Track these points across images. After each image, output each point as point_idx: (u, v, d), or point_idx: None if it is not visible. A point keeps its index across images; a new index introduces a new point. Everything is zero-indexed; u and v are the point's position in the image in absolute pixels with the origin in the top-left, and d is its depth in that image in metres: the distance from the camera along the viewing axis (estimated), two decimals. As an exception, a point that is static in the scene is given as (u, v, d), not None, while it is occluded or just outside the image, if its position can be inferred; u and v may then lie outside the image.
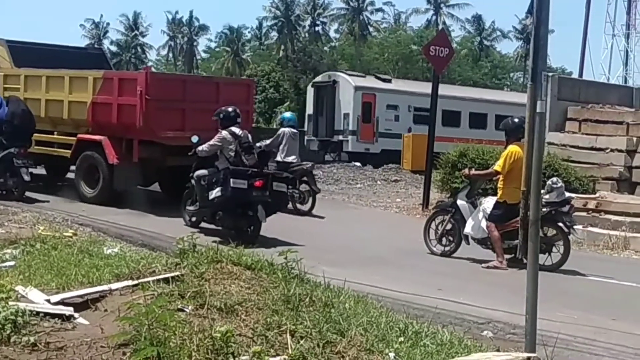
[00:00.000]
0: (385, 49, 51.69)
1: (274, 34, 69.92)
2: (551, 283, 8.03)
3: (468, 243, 10.30)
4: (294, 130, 14.63)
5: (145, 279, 5.21)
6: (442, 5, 67.89)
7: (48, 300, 4.90)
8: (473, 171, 10.85)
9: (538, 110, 5.03)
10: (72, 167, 14.40)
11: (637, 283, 9.28)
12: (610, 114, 16.60)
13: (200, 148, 10.95)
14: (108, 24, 74.86)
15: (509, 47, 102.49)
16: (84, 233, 10.12)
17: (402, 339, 4.77)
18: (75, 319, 4.65)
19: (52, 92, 14.39)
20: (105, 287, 5.18)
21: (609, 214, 13.11)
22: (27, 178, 13.19)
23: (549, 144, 15.08)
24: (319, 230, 12.46)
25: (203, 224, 11.22)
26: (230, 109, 11.18)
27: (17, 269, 6.39)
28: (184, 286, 5.04)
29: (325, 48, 63.16)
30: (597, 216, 13.10)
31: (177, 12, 76.22)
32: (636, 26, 49.91)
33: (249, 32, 72.93)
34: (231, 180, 10.34)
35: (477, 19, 69.15)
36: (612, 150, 15.78)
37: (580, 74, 33.30)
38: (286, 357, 4.21)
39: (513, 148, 9.99)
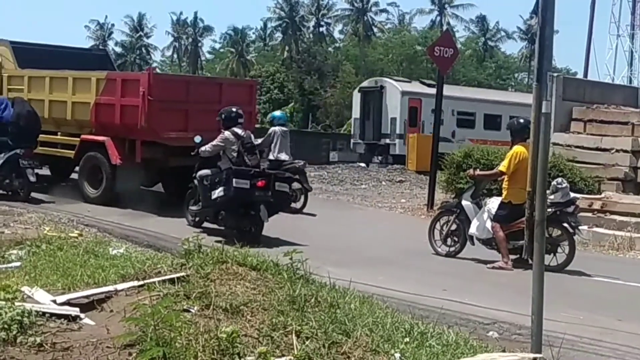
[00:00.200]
0: (390, 50, 51.66)
1: (278, 35, 70.02)
2: (556, 283, 8.01)
3: (473, 243, 10.29)
4: (285, 129, 14.72)
5: (151, 280, 5.22)
6: (446, 5, 67.86)
7: (54, 301, 4.90)
8: (478, 172, 10.84)
9: (543, 110, 5.03)
10: (77, 168, 14.44)
11: (643, 284, 9.26)
12: (615, 114, 16.56)
13: (203, 148, 10.99)
14: (113, 25, 75.21)
15: (513, 48, 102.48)
16: (90, 234, 10.14)
17: (407, 339, 4.77)
18: (81, 319, 4.66)
19: (55, 93, 14.44)
20: (111, 288, 5.19)
21: (614, 215, 13.08)
22: (32, 179, 13.22)
23: (554, 144, 15.06)
24: (322, 231, 12.46)
25: (206, 224, 11.25)
26: (232, 110, 11.21)
27: (23, 269, 6.41)
28: (189, 287, 5.05)
29: (330, 49, 63.19)
30: (603, 217, 13.07)
31: (181, 13, 76.58)
32: (641, 26, 49.82)
33: (253, 33, 73.15)
34: (234, 180, 10.38)
35: (482, 20, 69.19)
36: (617, 151, 15.74)
37: (585, 75, 33.26)
38: (292, 357, 4.21)
39: (518, 148, 9.97)
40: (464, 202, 10.39)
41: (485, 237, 10.07)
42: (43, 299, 4.94)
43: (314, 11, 68.27)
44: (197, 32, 75.58)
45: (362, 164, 27.74)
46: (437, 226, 10.70)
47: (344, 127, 42.61)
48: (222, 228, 10.91)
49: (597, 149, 16.01)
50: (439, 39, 21.08)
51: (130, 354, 4.13)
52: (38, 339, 4.22)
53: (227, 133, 10.92)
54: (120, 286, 5.21)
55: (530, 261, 8.70)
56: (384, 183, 22.08)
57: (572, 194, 10.13)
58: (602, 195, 14.05)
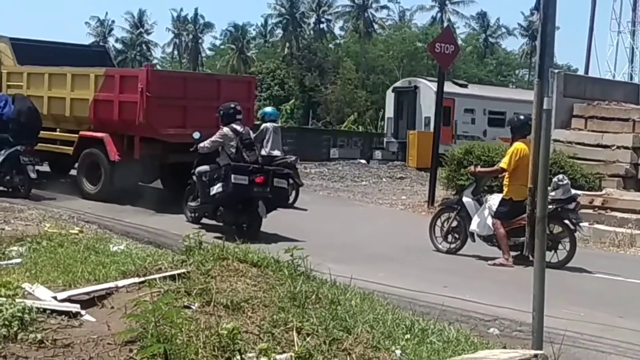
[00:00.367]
0: (390, 46, 51.57)
1: (278, 32, 69.92)
2: (557, 280, 8.02)
3: (474, 240, 10.29)
4: (276, 125, 14.81)
5: (152, 276, 5.21)
6: (447, 2, 67.75)
7: (55, 298, 4.90)
8: (479, 168, 10.84)
9: (545, 107, 5.01)
10: (76, 165, 14.45)
11: (643, 280, 9.27)
12: (616, 111, 16.54)
13: (201, 144, 11.01)
14: (113, 21, 75.10)
15: (514, 44, 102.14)
16: (90, 230, 10.13)
17: (408, 336, 4.77)
18: (81, 316, 4.65)
19: (54, 89, 14.45)
20: (111, 285, 5.19)
21: (615, 211, 13.08)
22: (33, 175, 13.21)
23: (555, 141, 15.05)
24: (323, 227, 12.45)
25: (204, 220, 11.27)
26: (231, 106, 11.22)
27: (24, 266, 6.40)
28: (190, 283, 5.04)
29: (330, 45, 63.09)
30: (603, 213, 13.07)
31: (182, 10, 76.41)
32: (642, 23, 49.76)
33: (253, 30, 73.04)
34: (232, 176, 10.41)
35: (482, 16, 69.07)
36: (618, 147, 15.72)
37: (586, 71, 33.17)
38: (292, 354, 4.20)
39: (519, 145, 9.97)
40: (464, 199, 10.39)
41: (486, 233, 10.07)
42: (44, 296, 4.94)
43: (314, 8, 68.17)
44: (198, 28, 75.51)
45: (363, 161, 27.76)
46: (438, 223, 10.70)
47: (344, 123, 42.59)
48: (221, 224, 10.94)
49: (598, 145, 16.00)
50: (439, 35, 21.05)
51: (131, 351, 4.13)
52: (39, 336, 4.21)
53: (225, 129, 10.94)
54: (120, 283, 5.21)
55: (531, 258, 8.71)
56: (384, 180, 22.07)
57: (573, 191, 10.12)
58: (603, 192, 14.04)
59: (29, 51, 15.66)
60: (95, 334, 4.31)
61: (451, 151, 15.65)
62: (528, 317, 5.24)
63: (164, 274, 5.23)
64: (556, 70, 18.42)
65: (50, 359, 4.05)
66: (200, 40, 76.23)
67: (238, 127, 10.98)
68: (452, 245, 10.48)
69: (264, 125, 14.46)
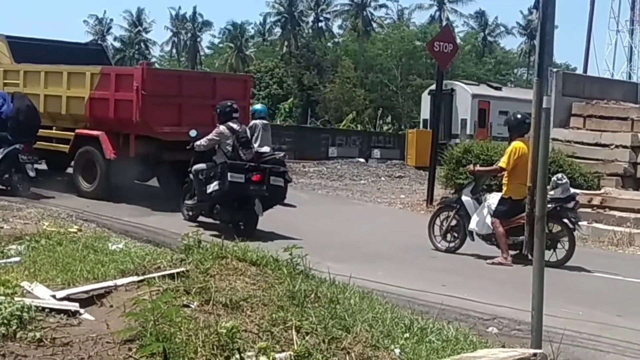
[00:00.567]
0: (389, 45, 51.47)
1: (277, 30, 69.88)
2: (556, 279, 8.02)
3: (473, 239, 10.29)
4: (265, 122, 14.89)
5: (151, 275, 5.21)
6: (445, 1, 67.73)
7: (53, 296, 4.90)
8: (477, 167, 10.85)
9: (544, 106, 5.01)
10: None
11: (642, 279, 9.27)
12: (615, 109, 16.56)
13: (198, 143, 11.02)
14: (111, 20, 75.01)
15: (512, 43, 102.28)
16: (89, 229, 10.12)
17: (407, 335, 4.77)
18: (80, 314, 4.65)
19: (50, 87, 14.45)
20: (110, 283, 5.18)
21: (613, 210, 13.09)
22: (32, 174, 13.20)
23: (554, 140, 15.04)
24: (321, 226, 12.46)
25: (201, 218, 11.28)
26: (228, 104, 11.24)
27: (23, 264, 6.39)
28: (189, 282, 5.04)
29: (329, 44, 63.05)
30: (602, 212, 13.08)
31: (180, 8, 76.34)
32: (640, 22, 49.77)
33: (252, 28, 72.95)
34: (229, 174, 10.44)
35: (481, 15, 69.07)
36: (616, 146, 15.74)
37: (585, 70, 33.21)
38: (292, 353, 4.20)
39: (517, 144, 9.98)
40: (463, 198, 10.39)
41: (485, 232, 10.07)
42: (42, 294, 4.93)
43: (313, 6, 68.13)
44: (196, 27, 75.45)
45: (362, 160, 27.77)
46: (437, 222, 10.70)
47: (342, 122, 42.56)
48: (218, 222, 10.96)
49: (596, 144, 16.02)
50: (438, 34, 21.05)
51: (130, 349, 4.12)
52: (38, 334, 4.21)
53: (222, 127, 10.96)
54: (119, 281, 5.20)
55: (530, 257, 8.70)
56: (383, 179, 22.08)
57: (572, 190, 10.13)
58: (602, 190, 14.05)
59: (26, 49, 15.65)
60: (94, 333, 4.31)
61: (450, 150, 15.65)
62: (527, 316, 5.24)
63: (163, 273, 5.23)
64: (555, 69, 18.43)
65: (49, 357, 4.05)
66: (198, 39, 76.21)
67: (235, 126, 11.00)
68: (451, 244, 10.48)
69: (253, 122, 14.51)
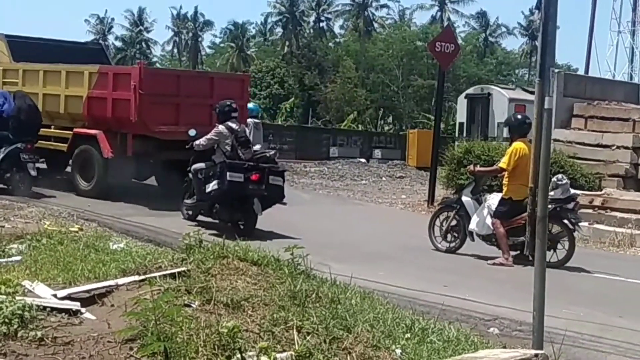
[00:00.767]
0: (390, 45, 51.39)
1: (278, 30, 69.83)
2: (557, 280, 8.01)
3: (473, 239, 10.29)
4: (257, 120, 14.88)
5: (152, 275, 5.21)
6: (446, 1, 67.71)
7: (55, 295, 4.90)
8: (478, 168, 10.85)
9: (546, 106, 5.01)
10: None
11: (643, 280, 9.27)
12: (616, 110, 16.55)
13: (197, 142, 11.05)
14: (113, 19, 75.01)
15: (514, 44, 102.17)
16: (90, 228, 10.12)
17: (408, 335, 4.76)
18: (82, 313, 4.65)
19: (49, 86, 14.46)
20: (111, 282, 5.19)
21: (615, 211, 13.08)
22: (33, 173, 13.19)
23: (555, 140, 15.04)
24: (322, 226, 12.46)
25: (201, 217, 11.29)
26: (227, 104, 11.25)
27: (24, 264, 6.39)
28: (190, 282, 5.04)
29: (330, 44, 62.97)
30: (603, 213, 13.07)
31: (181, 8, 76.33)
32: (642, 23, 49.73)
33: (253, 28, 72.92)
34: (228, 173, 10.46)
35: (482, 15, 69.04)
36: (618, 147, 15.73)
37: (586, 71, 33.15)
38: (293, 352, 4.20)
39: (518, 145, 9.97)
40: (463, 198, 10.39)
41: (485, 233, 10.07)
42: (44, 293, 4.94)
43: (314, 6, 68.07)
44: (197, 26, 75.44)
45: (363, 160, 27.78)
46: (437, 222, 10.70)
47: (344, 122, 42.55)
48: (217, 221, 10.97)
49: (597, 145, 16.00)
50: (440, 34, 21.07)
51: (131, 349, 4.13)
52: (39, 333, 4.22)
53: (221, 127, 10.98)
54: (121, 281, 5.21)
55: (530, 257, 8.71)
56: (384, 179, 22.08)
57: (573, 191, 10.12)
58: (603, 191, 14.04)
59: (25, 48, 15.67)
60: (96, 332, 4.31)
61: (451, 150, 15.66)
62: (528, 317, 5.24)
63: (164, 272, 5.23)
64: (556, 70, 18.42)
65: (50, 356, 4.05)
66: (200, 39, 76.20)
67: (234, 125, 11.02)
68: (452, 244, 10.47)
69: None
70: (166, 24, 77.19)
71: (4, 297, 4.53)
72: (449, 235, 10.53)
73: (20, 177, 13.23)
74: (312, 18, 69.02)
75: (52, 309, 4.60)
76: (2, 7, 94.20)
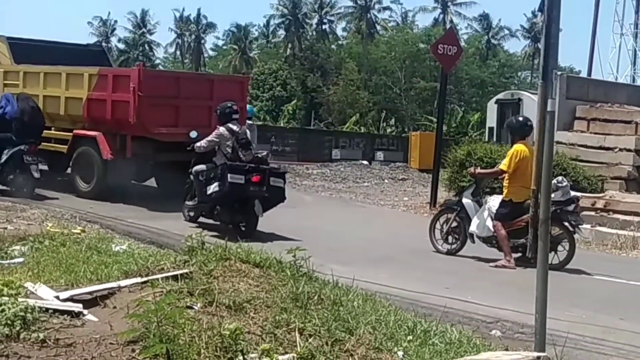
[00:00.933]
0: (393, 48, 51.44)
1: (281, 32, 69.90)
2: (559, 282, 8.00)
3: (473, 241, 10.28)
4: (250, 122, 14.92)
5: (154, 276, 5.21)
6: (449, 3, 67.74)
7: (57, 297, 4.90)
8: (478, 170, 10.85)
9: (549, 109, 5.01)
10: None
11: (645, 283, 9.25)
12: (619, 113, 16.54)
13: (198, 144, 11.07)
14: (116, 21, 75.14)
15: (516, 46, 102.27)
16: (92, 230, 10.13)
17: (410, 337, 4.76)
18: (84, 315, 4.65)
19: (49, 88, 14.49)
20: (114, 284, 5.19)
21: (617, 214, 13.07)
22: (36, 175, 13.20)
23: (558, 143, 15.04)
24: (324, 228, 12.44)
25: (202, 219, 11.31)
26: (228, 105, 11.28)
27: (26, 265, 6.41)
28: (192, 284, 5.05)
29: (333, 46, 63.03)
30: (606, 216, 13.06)
31: (184, 10, 76.43)
32: (645, 25, 49.65)
33: (256, 30, 72.97)
34: (229, 175, 10.47)
35: (485, 18, 69.04)
36: (620, 150, 15.73)
37: (589, 73, 33.13)
38: (295, 355, 4.20)
39: (519, 147, 9.97)
40: (464, 200, 10.39)
41: (485, 235, 10.07)
42: (46, 295, 4.94)
43: (316, 8, 68.15)
44: (200, 28, 75.49)
45: (365, 162, 27.78)
46: (438, 224, 10.70)
47: (346, 124, 42.56)
48: (218, 223, 10.99)
49: (600, 147, 16.01)
50: (442, 36, 21.05)
51: (133, 351, 4.13)
52: (41, 335, 4.22)
53: (222, 129, 11.00)
54: (123, 283, 5.21)
55: (532, 260, 8.70)
56: (386, 181, 22.07)
57: (573, 193, 10.12)
58: (605, 194, 14.03)
59: (26, 50, 15.70)
60: (98, 334, 4.32)
61: (453, 152, 15.65)
62: (530, 319, 5.24)
63: (167, 274, 5.23)
64: (559, 72, 18.43)
65: (52, 358, 4.06)
66: (202, 41, 76.23)
67: (234, 127, 11.04)
68: (452, 247, 10.47)
69: None
70: (169, 26, 77.16)
71: (7, 298, 4.54)
72: (449, 238, 10.53)
73: (23, 179, 13.24)
74: (315, 20, 69.11)
75: (55, 310, 4.60)
76: (5, 10, 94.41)
